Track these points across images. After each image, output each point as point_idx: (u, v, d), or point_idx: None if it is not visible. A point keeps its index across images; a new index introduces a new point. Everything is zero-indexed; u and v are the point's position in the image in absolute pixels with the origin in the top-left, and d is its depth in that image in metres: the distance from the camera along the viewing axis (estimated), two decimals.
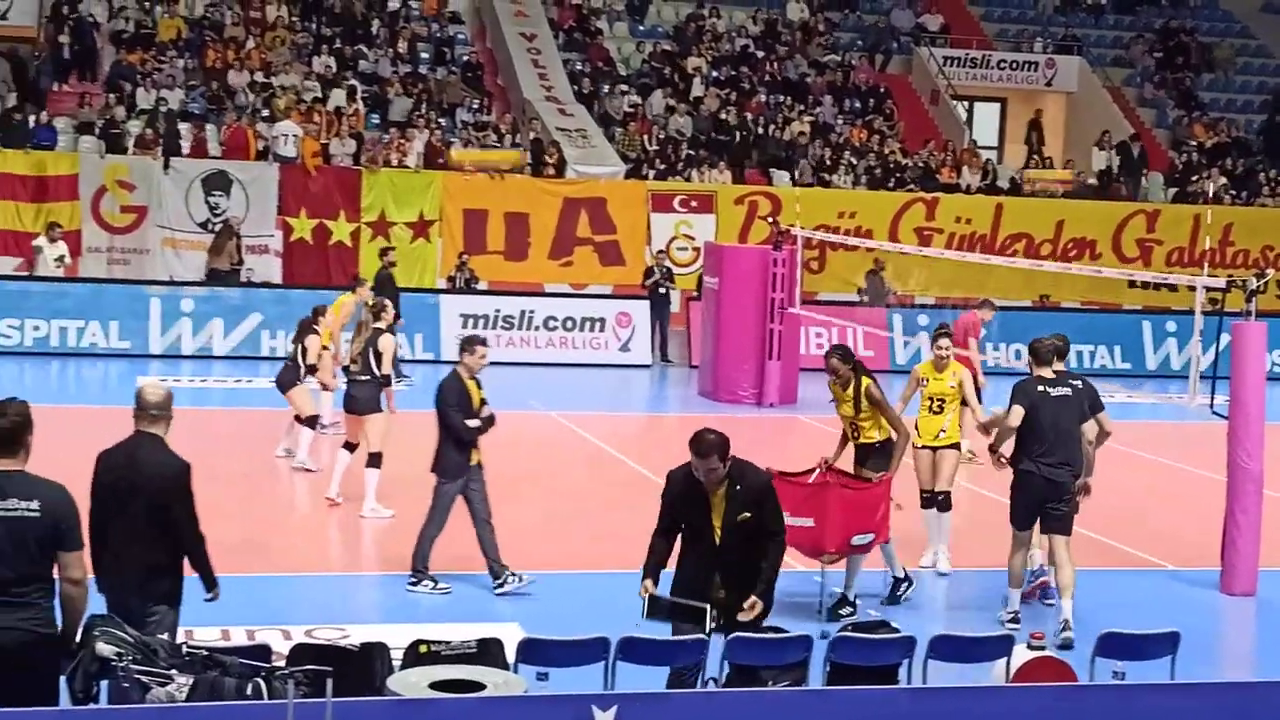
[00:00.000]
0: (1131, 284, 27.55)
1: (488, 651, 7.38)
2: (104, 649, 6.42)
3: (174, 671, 6.38)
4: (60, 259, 22.98)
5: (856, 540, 10.65)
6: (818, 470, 10.67)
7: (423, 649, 7.28)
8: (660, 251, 25.87)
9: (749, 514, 7.71)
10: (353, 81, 28.29)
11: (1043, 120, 32.92)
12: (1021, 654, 8.01)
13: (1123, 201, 29.82)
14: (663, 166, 27.82)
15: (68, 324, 22.16)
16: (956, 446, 12.29)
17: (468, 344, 11.40)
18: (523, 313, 24.20)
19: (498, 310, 24.06)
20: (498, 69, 30.56)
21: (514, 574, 11.11)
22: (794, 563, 10.49)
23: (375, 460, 13.33)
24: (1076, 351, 17.26)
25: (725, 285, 20.93)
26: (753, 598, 7.64)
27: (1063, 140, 33.31)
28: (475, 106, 28.72)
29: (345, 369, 14.17)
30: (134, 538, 7.29)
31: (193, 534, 7.40)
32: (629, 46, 31.78)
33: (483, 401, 11.18)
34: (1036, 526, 10.76)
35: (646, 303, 24.54)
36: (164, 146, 25.35)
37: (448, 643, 7.37)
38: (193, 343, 22.67)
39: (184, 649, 6.67)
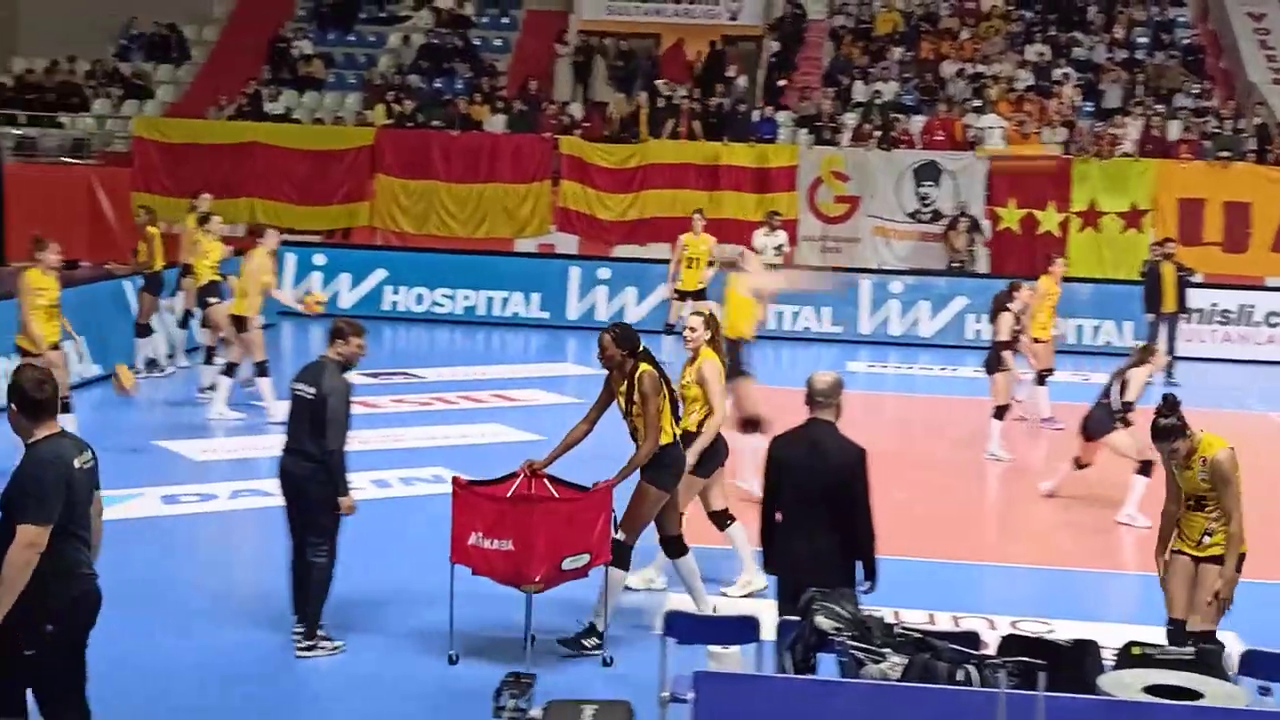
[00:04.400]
0: None
1: (1205, 660, 7.06)
2: (823, 623, 6.67)
3: (888, 650, 6.53)
4: (779, 248, 24.07)
5: (568, 564, 8.70)
6: (521, 477, 8.84)
7: (1135, 650, 7.06)
8: None
9: None
10: (1066, 68, 27.87)
11: None
12: None
13: None
14: None
15: (781, 308, 23.16)
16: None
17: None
18: (1241, 307, 23.02)
19: (1214, 304, 23.02)
20: (1220, 52, 29.11)
21: None
22: None
23: (1145, 469, 12.66)
24: None
25: None
26: None
27: None
28: (1195, 91, 27.51)
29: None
30: (810, 521, 7.52)
31: (865, 521, 7.55)
32: None
33: None
34: None
35: None
36: (880, 138, 26.03)
37: (1161, 647, 7.12)
38: (900, 326, 23.20)
39: (895, 630, 6.82)
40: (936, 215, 25.47)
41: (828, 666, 6.77)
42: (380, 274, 23.89)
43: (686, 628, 7.31)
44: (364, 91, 29.12)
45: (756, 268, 14.89)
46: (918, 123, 26.75)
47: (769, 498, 7.72)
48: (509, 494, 8.73)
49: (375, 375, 18.08)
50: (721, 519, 10.30)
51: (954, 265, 24.65)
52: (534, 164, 26.56)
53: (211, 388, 16.19)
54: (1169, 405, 8.23)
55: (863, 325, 23.38)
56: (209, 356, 16.71)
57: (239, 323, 15.53)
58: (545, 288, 23.68)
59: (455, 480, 8.90)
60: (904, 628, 6.83)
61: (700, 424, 9.93)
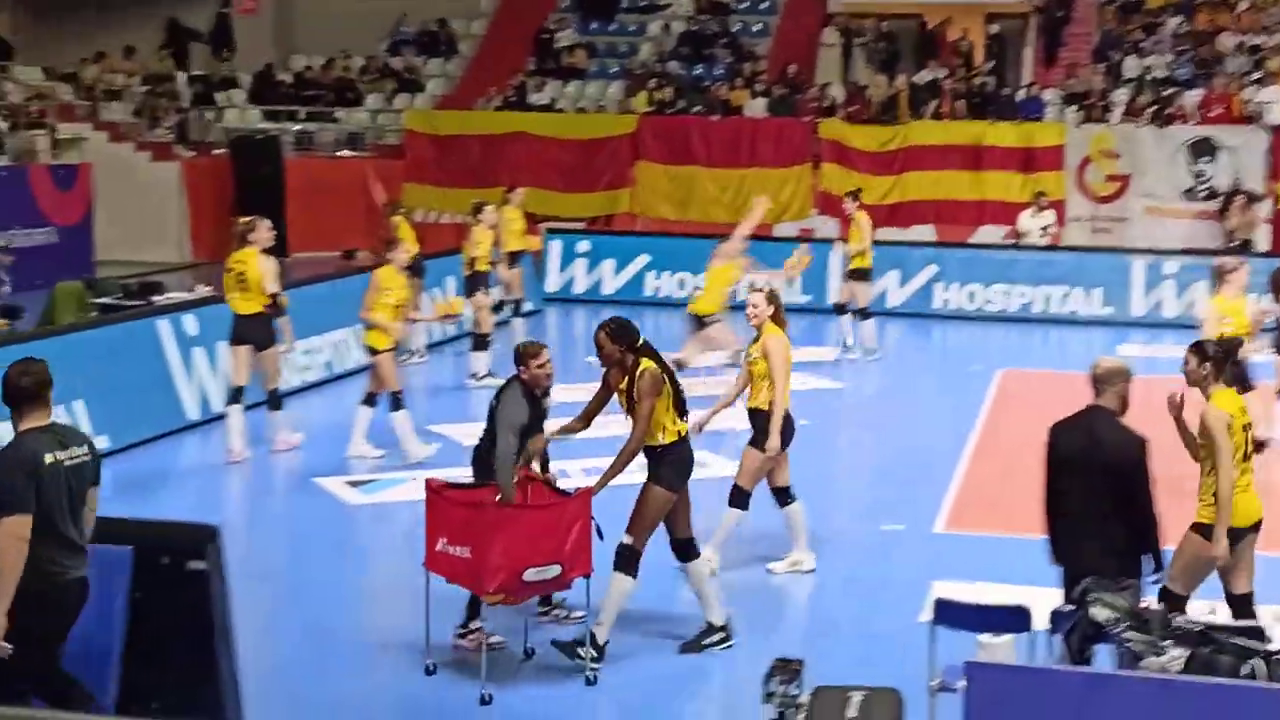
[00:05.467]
0: None
1: None
2: (1099, 614, 6.52)
3: (1168, 643, 6.35)
4: (1045, 229, 23.53)
5: (531, 575, 8.00)
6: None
7: None
8: None
9: None
10: None
11: None
12: None
13: None
14: None
15: (1051, 290, 22.64)
16: None
17: None
18: None
19: None
20: None
21: None
22: None
23: None
24: None
25: None
26: None
27: None
28: None
29: None
30: (1092, 512, 7.33)
31: (1148, 511, 7.31)
32: None
33: None
34: None
35: None
36: (1153, 114, 25.21)
37: None
38: (1175, 308, 22.44)
39: (1175, 622, 6.62)
40: (1212, 193, 24.57)
41: (1103, 659, 6.61)
42: (643, 259, 24.11)
43: (956, 615, 7.23)
44: (626, 80, 29.43)
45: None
46: (1193, 97, 25.81)
47: (1048, 487, 7.56)
48: (474, 499, 8.30)
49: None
50: (784, 495, 10.24)
51: (1232, 244, 23.72)
52: (794, 148, 26.50)
53: (483, 375, 16.62)
54: None
55: (1135, 307, 22.68)
56: (478, 344, 17.05)
57: None
58: (807, 272, 23.55)
59: (428, 484, 8.49)
60: (1185, 620, 6.63)
61: (771, 401, 9.87)
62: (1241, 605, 7.77)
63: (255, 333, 13.22)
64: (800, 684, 6.59)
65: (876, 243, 24.21)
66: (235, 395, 13.26)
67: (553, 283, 23.71)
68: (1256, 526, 7.80)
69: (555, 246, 23.90)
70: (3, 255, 19.07)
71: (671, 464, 8.50)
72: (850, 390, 17.49)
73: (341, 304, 16.08)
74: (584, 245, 24.36)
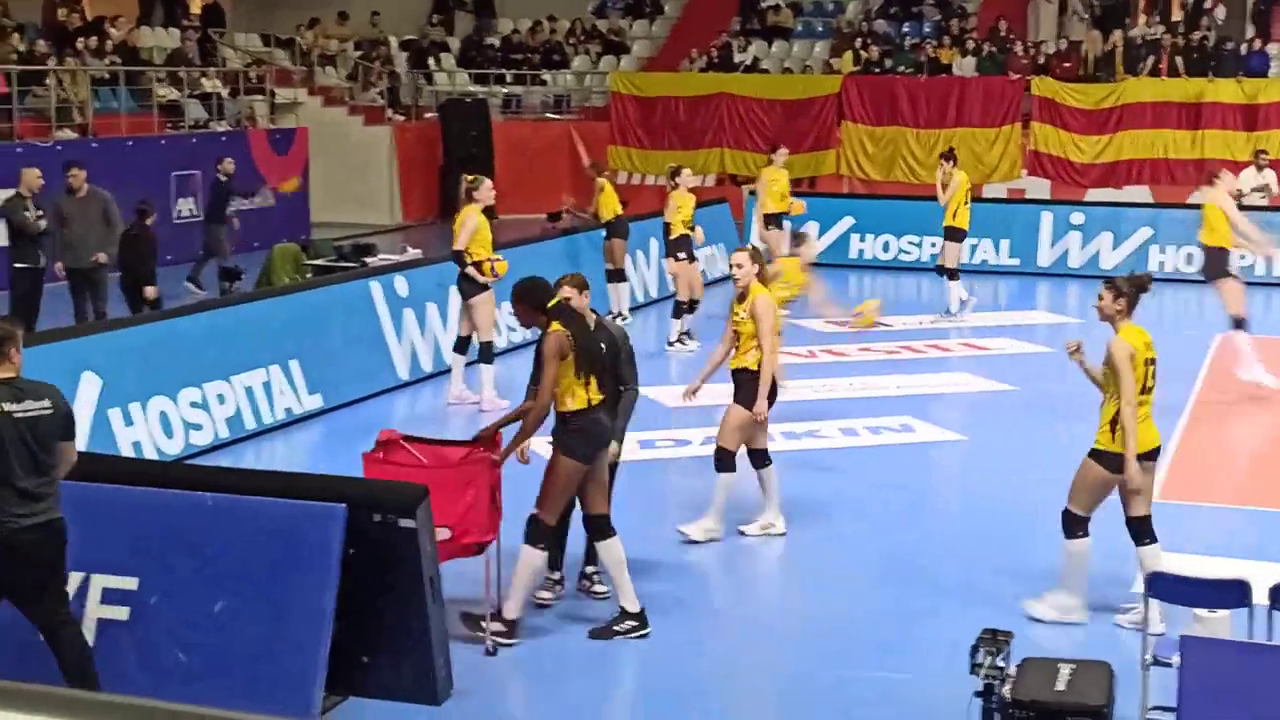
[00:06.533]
0: None
1: None
2: None
3: None
4: (1264, 188, 22.70)
5: None
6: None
7: None
8: None
9: None
10: None
11: None
12: None
13: None
14: None
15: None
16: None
17: None
18: None
19: None
20: None
21: None
22: None
23: None
24: None
25: None
26: None
27: None
28: None
29: None
30: None
31: None
32: None
33: None
34: None
35: None
36: None
37: None
38: None
39: None
40: None
41: None
42: (847, 221, 23.87)
43: (1171, 589, 7.02)
44: (832, 39, 29.14)
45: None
46: None
47: None
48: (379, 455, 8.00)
49: (842, 324, 18.15)
50: (761, 458, 10.01)
51: None
52: (1004, 107, 25.99)
53: (682, 339, 16.65)
54: None
55: None
56: (679, 310, 16.99)
57: None
58: (1015, 234, 23.08)
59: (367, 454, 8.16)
60: None
61: (760, 362, 9.67)
62: (1139, 526, 8.25)
63: (460, 282, 13.52)
64: (1008, 655, 6.47)
65: (1088, 203, 23.66)
66: (459, 345, 13.80)
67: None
68: (1153, 454, 8.25)
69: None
70: (231, 219, 19.68)
71: (576, 433, 8.02)
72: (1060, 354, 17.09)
73: (545, 264, 16.23)
74: None
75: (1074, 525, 8.24)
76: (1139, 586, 7.89)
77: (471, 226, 13.31)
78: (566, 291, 8.44)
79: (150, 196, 16.89)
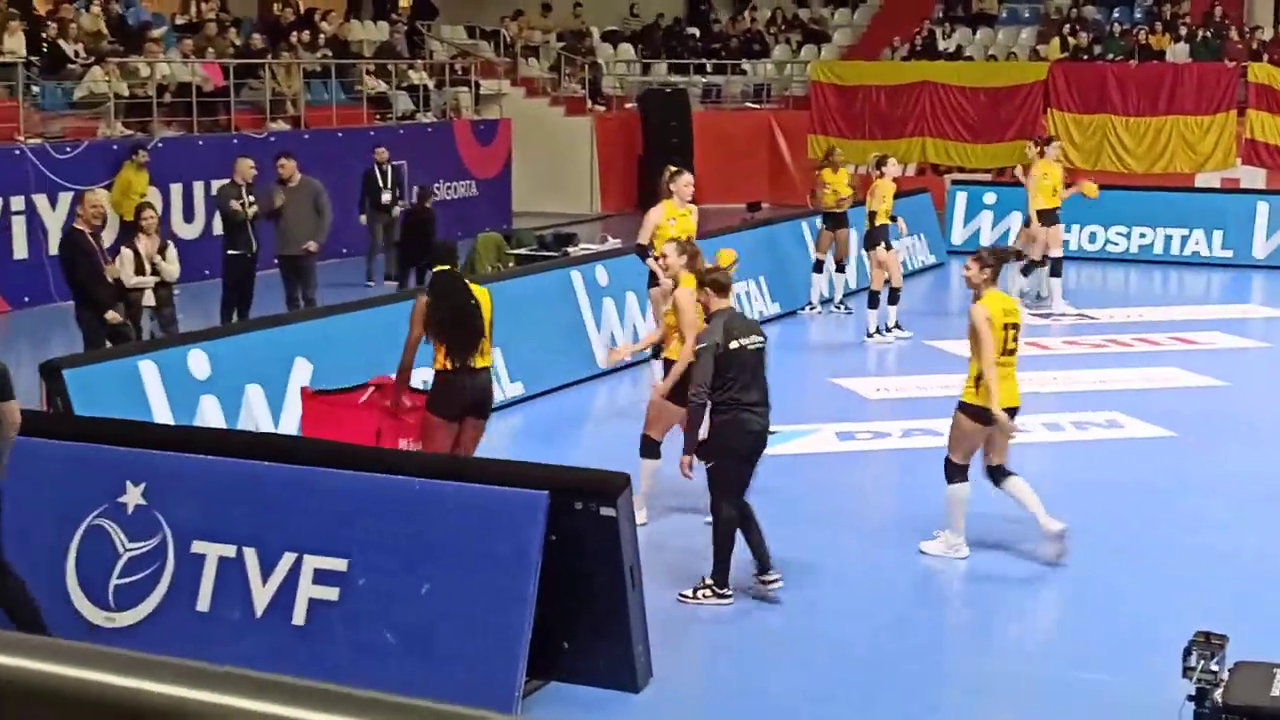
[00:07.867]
0: None
1: None
2: None
3: None
4: None
5: None
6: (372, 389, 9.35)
7: None
8: None
9: None
10: None
11: None
12: None
13: None
14: None
15: None
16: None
17: None
18: None
19: None
20: None
21: None
22: None
23: None
24: None
25: None
26: None
27: None
28: None
29: None
30: None
31: None
32: None
33: None
34: None
35: None
36: None
37: None
38: None
39: None
40: None
41: None
42: None
43: None
44: (1039, 25, 28.58)
45: None
46: None
47: None
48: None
49: (1047, 316, 17.79)
50: (999, 473, 9.68)
51: None
52: (1218, 94, 25.22)
53: (885, 329, 16.47)
54: None
55: None
56: (874, 300, 16.71)
57: None
58: (1229, 225, 22.38)
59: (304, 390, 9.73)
60: None
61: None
62: (997, 473, 9.11)
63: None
64: (1222, 659, 6.29)
65: None
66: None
67: (957, 235, 23.24)
68: (1013, 412, 8.96)
69: (960, 198, 23.46)
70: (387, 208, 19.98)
71: (434, 393, 9.08)
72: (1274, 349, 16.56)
73: (743, 255, 16.20)
74: (990, 197, 23.78)
75: (953, 472, 9.06)
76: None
77: (651, 221, 13.15)
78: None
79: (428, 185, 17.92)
